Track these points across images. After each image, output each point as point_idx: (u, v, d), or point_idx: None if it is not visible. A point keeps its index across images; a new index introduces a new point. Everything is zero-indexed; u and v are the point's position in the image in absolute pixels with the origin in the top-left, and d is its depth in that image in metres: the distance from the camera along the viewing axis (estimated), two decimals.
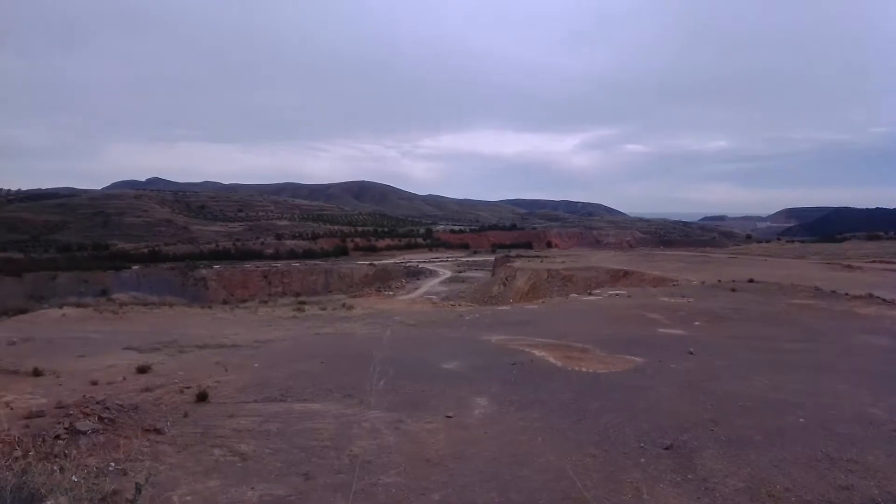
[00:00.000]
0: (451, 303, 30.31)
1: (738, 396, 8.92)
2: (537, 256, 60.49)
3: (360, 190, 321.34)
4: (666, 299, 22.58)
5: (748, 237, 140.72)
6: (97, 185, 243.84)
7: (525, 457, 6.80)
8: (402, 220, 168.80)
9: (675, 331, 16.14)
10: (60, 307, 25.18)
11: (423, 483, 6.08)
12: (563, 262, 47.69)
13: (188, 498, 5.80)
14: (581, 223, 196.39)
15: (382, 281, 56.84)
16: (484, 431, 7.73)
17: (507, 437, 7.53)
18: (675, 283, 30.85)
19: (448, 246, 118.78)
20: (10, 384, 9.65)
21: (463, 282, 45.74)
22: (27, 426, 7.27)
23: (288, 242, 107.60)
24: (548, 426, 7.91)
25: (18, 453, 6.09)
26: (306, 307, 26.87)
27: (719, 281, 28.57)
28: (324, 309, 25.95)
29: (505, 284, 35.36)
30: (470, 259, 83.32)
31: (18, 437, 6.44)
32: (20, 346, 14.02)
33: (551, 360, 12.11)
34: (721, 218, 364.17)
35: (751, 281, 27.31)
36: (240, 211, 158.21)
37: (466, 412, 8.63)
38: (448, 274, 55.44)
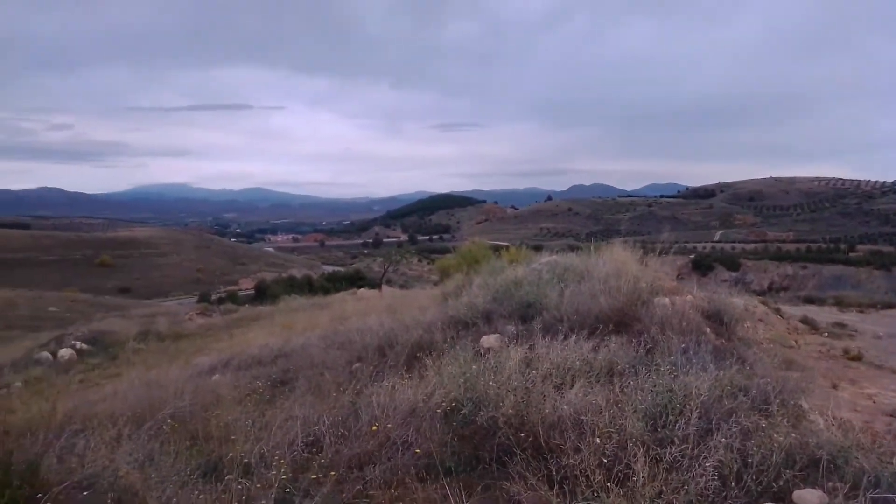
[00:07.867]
0: None
1: None
2: None
3: None
4: None
5: None
6: None
7: None
8: None
9: None
10: None
11: None
12: None
13: None
14: None
15: None
16: None
17: None
18: None
19: None
20: (875, 378, 9.49)
21: None
22: (889, 424, 6.87)
23: None
24: None
25: (881, 448, 5.80)
26: None
27: None
28: None
29: None
30: None
31: (879, 432, 6.12)
32: (885, 340, 13.58)
33: None
34: None
35: None
36: None
37: None
38: None
